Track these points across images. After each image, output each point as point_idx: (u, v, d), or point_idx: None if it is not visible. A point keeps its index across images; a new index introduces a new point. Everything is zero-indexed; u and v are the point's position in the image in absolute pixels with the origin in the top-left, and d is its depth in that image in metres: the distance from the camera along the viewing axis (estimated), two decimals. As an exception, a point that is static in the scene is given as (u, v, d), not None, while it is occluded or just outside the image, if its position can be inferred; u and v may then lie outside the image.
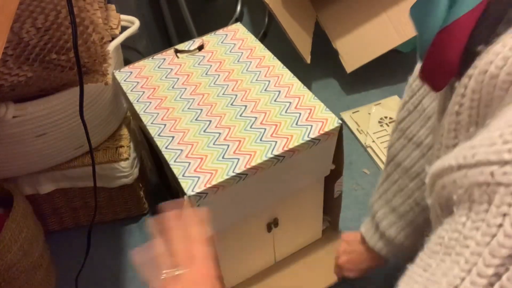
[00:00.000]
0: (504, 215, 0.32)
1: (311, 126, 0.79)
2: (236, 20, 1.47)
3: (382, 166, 1.20)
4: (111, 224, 1.13)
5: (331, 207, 0.98)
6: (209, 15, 1.74)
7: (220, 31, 1.01)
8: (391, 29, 1.35)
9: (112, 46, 0.94)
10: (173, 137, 0.80)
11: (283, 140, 0.77)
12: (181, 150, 0.77)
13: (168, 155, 0.77)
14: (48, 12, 0.73)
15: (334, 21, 1.45)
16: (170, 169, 0.76)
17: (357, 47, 1.38)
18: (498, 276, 0.32)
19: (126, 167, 1.01)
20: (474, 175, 0.34)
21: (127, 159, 1.00)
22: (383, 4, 1.37)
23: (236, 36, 1.00)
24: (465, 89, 0.40)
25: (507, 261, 0.31)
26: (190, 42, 0.99)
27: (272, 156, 0.75)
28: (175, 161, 0.76)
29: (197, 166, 0.74)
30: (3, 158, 0.91)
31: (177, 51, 0.97)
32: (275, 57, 0.94)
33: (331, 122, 0.79)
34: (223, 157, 0.75)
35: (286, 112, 0.82)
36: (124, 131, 1.05)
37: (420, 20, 0.45)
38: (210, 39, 0.99)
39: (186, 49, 0.97)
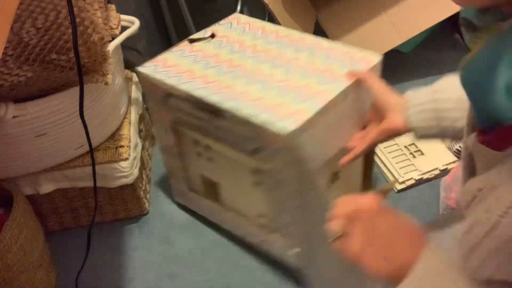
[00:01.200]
0: None
1: (358, 64, 0.85)
2: (236, 20, 1.47)
3: (382, 165, 1.20)
4: (111, 224, 1.13)
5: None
6: (209, 15, 1.74)
7: (223, 21, 1.03)
8: (391, 29, 1.35)
9: (112, 46, 0.94)
10: (238, 99, 0.80)
11: (342, 78, 0.81)
12: (255, 104, 0.78)
13: (246, 113, 0.77)
14: (48, 12, 0.73)
15: (334, 21, 1.46)
16: (255, 126, 0.76)
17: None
18: None
19: (126, 167, 1.01)
20: None
21: (127, 159, 1.00)
22: (383, 4, 1.37)
23: (241, 22, 1.02)
24: None
25: None
26: (201, 32, 0.99)
27: (341, 90, 0.79)
28: (256, 116, 0.76)
29: (280, 112, 0.76)
30: (3, 158, 0.91)
31: (192, 41, 0.97)
32: (288, 28, 0.97)
33: (374, 57, 0.87)
34: (301, 100, 0.78)
35: (329, 59, 0.87)
36: (124, 131, 1.05)
37: (475, 92, 0.44)
38: (218, 28, 1.00)
39: (200, 37, 0.98)
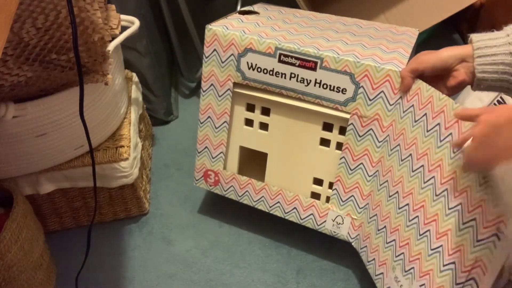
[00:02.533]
0: None
1: (404, 34, 0.95)
2: (236, 20, 1.47)
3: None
4: (111, 224, 1.13)
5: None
6: (209, 15, 1.74)
7: (254, 5, 1.08)
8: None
9: (112, 46, 0.94)
10: (332, 49, 0.84)
11: (404, 41, 0.91)
12: (352, 53, 0.83)
13: (348, 58, 0.81)
14: (48, 12, 0.73)
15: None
16: (357, 66, 0.81)
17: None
18: None
19: (126, 167, 1.01)
20: None
21: (127, 159, 1.00)
22: (381, 6, 1.38)
23: (271, 7, 1.07)
24: None
25: None
26: (246, 7, 1.03)
27: (411, 50, 0.87)
28: (358, 59, 0.82)
29: (378, 59, 0.82)
30: (3, 158, 0.91)
31: (242, 12, 0.99)
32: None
33: (413, 30, 0.97)
34: (389, 52, 0.85)
35: (379, 30, 0.96)
36: (124, 131, 1.05)
37: None
38: (256, 9, 1.04)
39: (248, 10, 1.02)
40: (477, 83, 0.71)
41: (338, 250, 1.05)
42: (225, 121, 0.97)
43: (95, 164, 0.84)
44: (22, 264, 0.87)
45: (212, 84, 0.95)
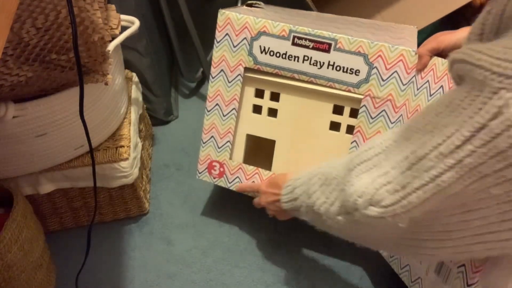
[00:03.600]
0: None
1: (405, 30, 1.02)
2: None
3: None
4: (111, 224, 1.13)
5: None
6: (209, 15, 1.74)
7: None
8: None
9: (112, 46, 0.94)
10: (345, 32, 0.86)
11: (408, 36, 0.95)
12: (364, 37, 0.85)
13: (362, 40, 0.83)
14: (48, 12, 0.73)
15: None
16: (371, 47, 0.83)
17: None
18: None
19: (126, 167, 1.01)
20: (477, 73, 0.44)
21: (127, 159, 1.00)
22: (377, 5, 1.38)
23: (269, 6, 1.07)
24: None
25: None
26: (252, 1, 1.03)
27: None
28: (372, 42, 0.83)
29: (391, 39, 0.89)
30: (3, 158, 0.91)
31: (249, 5, 1.00)
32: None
33: (412, 27, 1.02)
34: (397, 44, 0.85)
35: (381, 26, 1.01)
36: (124, 131, 1.05)
37: None
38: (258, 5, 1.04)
39: (254, 2, 1.02)
40: None
41: (338, 250, 1.05)
42: (233, 108, 0.96)
43: (95, 164, 0.84)
44: (22, 264, 0.87)
45: (222, 70, 0.95)
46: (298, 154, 0.96)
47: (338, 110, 0.91)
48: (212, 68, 0.95)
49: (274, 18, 0.92)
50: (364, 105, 0.86)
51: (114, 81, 1.00)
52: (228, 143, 1.00)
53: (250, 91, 0.95)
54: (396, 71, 0.82)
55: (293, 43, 0.87)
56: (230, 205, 1.14)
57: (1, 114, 0.81)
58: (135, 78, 1.23)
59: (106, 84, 0.86)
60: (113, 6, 1.02)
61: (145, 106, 1.32)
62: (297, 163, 0.97)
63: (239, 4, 1.51)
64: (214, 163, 1.03)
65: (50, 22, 0.74)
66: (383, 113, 0.86)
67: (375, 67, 0.83)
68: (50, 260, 1.01)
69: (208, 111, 0.99)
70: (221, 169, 1.03)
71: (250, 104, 0.96)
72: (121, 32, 0.99)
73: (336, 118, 0.91)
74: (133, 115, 1.11)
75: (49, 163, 0.96)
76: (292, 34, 0.86)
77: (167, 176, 1.25)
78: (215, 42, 0.93)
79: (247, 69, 0.93)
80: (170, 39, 1.44)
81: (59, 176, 1.00)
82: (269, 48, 0.89)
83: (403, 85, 0.83)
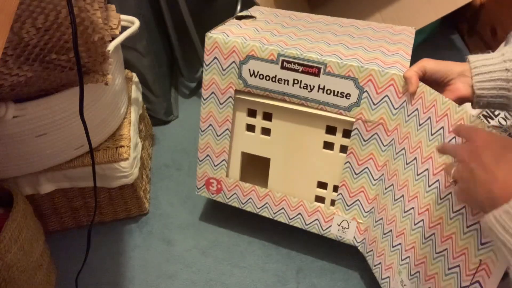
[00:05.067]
0: None
1: (402, 33, 0.95)
2: (236, 20, 1.47)
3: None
4: (111, 224, 1.13)
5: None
6: (209, 15, 1.74)
7: (250, 9, 1.06)
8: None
9: (112, 46, 0.94)
10: (335, 54, 0.83)
11: (402, 40, 0.91)
12: (355, 58, 0.82)
13: (352, 62, 0.81)
14: (48, 12, 0.73)
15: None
16: (361, 71, 0.81)
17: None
18: None
19: (126, 167, 1.01)
20: None
21: (127, 159, 1.00)
22: (377, 4, 1.38)
23: (267, 10, 1.05)
24: None
25: None
26: (242, 12, 1.01)
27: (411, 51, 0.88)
28: (362, 63, 0.81)
29: (381, 63, 0.82)
30: (3, 158, 0.91)
31: (239, 18, 0.98)
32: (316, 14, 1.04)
33: (410, 29, 0.96)
34: (390, 55, 0.85)
35: (376, 30, 0.97)
36: (124, 131, 1.05)
37: None
38: (252, 13, 1.02)
39: (245, 15, 1.00)
40: (476, 100, 0.73)
41: (338, 250, 1.05)
42: (227, 129, 0.96)
43: (95, 164, 0.84)
44: (22, 264, 0.87)
45: (213, 92, 0.94)
46: (293, 172, 0.96)
47: (331, 130, 0.89)
48: (203, 90, 0.95)
49: (265, 35, 0.90)
50: (356, 128, 0.85)
51: (114, 81, 1.00)
52: (224, 162, 1.00)
53: (242, 111, 0.95)
54: (387, 95, 0.80)
55: (282, 67, 0.85)
56: (230, 205, 1.14)
57: (1, 114, 0.81)
58: (135, 78, 1.23)
59: (106, 84, 0.86)
60: (113, 6, 1.02)
61: (145, 106, 1.32)
62: (293, 180, 0.97)
63: (239, 5, 1.51)
64: (211, 180, 1.04)
65: (50, 22, 0.74)
66: (375, 136, 0.84)
67: (366, 91, 0.81)
68: (50, 260, 1.01)
69: (202, 131, 0.99)
70: (219, 186, 1.04)
71: (243, 123, 0.96)
72: (121, 32, 0.99)
73: (329, 138, 0.90)
74: (133, 115, 1.11)
75: (49, 163, 0.96)
76: (281, 58, 0.84)
77: (167, 176, 1.25)
78: (204, 65, 0.92)
79: (237, 91, 0.92)
80: (170, 39, 1.44)
81: (59, 176, 1.00)
82: (258, 71, 0.88)
83: (395, 109, 0.80)
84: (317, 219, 0.96)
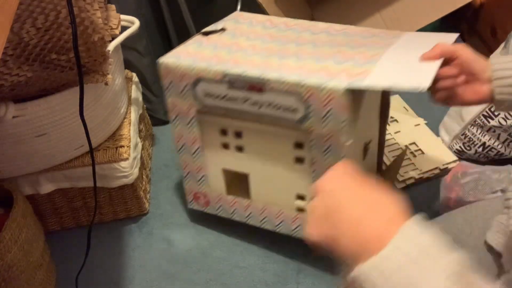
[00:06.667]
0: None
1: (378, 36, 0.89)
2: (236, 20, 1.47)
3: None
4: (111, 224, 1.13)
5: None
6: (209, 15, 1.74)
7: (226, 18, 1.02)
8: (383, 29, 1.37)
9: (112, 46, 0.94)
10: (279, 70, 0.80)
11: (372, 44, 0.85)
12: (298, 72, 0.79)
13: (292, 78, 0.78)
14: (48, 12, 0.73)
15: (328, 20, 1.46)
16: (301, 86, 0.77)
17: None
18: None
19: (126, 167, 1.01)
20: None
21: (127, 159, 1.00)
22: (377, 4, 1.38)
23: (245, 17, 1.01)
24: None
25: None
26: (211, 26, 0.98)
27: (377, 48, 0.82)
28: (302, 79, 0.77)
29: (327, 74, 0.77)
30: (3, 158, 0.91)
31: (205, 33, 0.95)
32: (296, 18, 0.99)
33: (394, 32, 0.91)
34: (343, 61, 0.80)
35: (348, 35, 0.91)
36: (124, 131, 1.05)
37: None
38: (225, 24, 0.99)
39: (212, 30, 0.97)
40: (498, 104, 0.71)
41: (338, 250, 1.05)
42: (198, 147, 0.97)
43: (95, 164, 0.84)
44: (22, 264, 0.87)
45: (178, 114, 0.95)
46: (272, 186, 0.96)
47: (299, 144, 0.87)
48: (168, 112, 0.96)
49: (220, 53, 0.88)
50: (313, 140, 0.82)
51: (114, 81, 1.00)
52: (204, 177, 1.01)
53: (215, 129, 0.94)
54: (331, 108, 0.76)
55: (230, 86, 0.84)
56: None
57: (1, 114, 0.81)
58: (135, 78, 1.23)
59: (106, 84, 0.86)
60: (113, 6, 1.02)
61: (145, 106, 1.32)
62: (273, 193, 0.96)
63: (239, 5, 1.51)
64: (198, 194, 1.06)
65: (50, 22, 0.74)
66: (331, 147, 0.82)
67: (311, 105, 0.78)
68: (50, 260, 1.01)
69: (178, 151, 1.00)
70: (206, 199, 1.06)
71: (218, 141, 0.95)
72: (121, 32, 0.99)
73: (298, 153, 0.88)
74: (133, 115, 1.11)
75: (49, 163, 0.96)
76: (227, 77, 0.83)
77: (167, 176, 1.25)
78: (163, 88, 0.92)
79: (201, 112, 0.92)
80: (170, 39, 1.44)
81: (59, 176, 1.00)
82: (209, 92, 0.87)
83: (342, 122, 0.77)
84: (300, 225, 0.97)
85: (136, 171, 1.05)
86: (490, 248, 0.74)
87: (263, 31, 0.95)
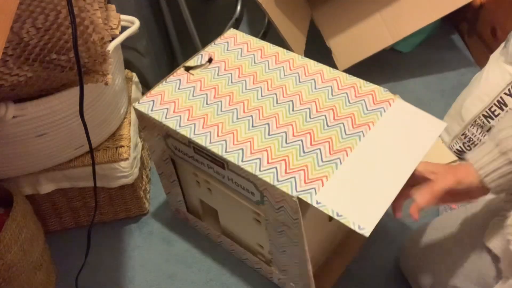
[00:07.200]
0: None
1: (364, 100, 0.82)
2: (236, 20, 1.46)
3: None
4: (111, 224, 1.13)
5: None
6: (209, 15, 1.74)
7: (219, 40, 0.99)
8: (383, 29, 1.36)
9: (112, 46, 0.94)
10: (242, 149, 0.77)
11: (348, 119, 0.79)
12: (259, 158, 0.76)
13: (250, 167, 0.74)
14: (48, 12, 0.73)
15: (328, 20, 1.47)
16: (257, 179, 0.74)
17: (350, 46, 1.39)
18: None
19: (126, 167, 1.01)
20: None
21: (127, 159, 1.00)
22: (377, 4, 1.38)
23: (237, 41, 0.98)
24: None
25: None
26: (198, 57, 0.95)
27: (348, 135, 0.77)
28: (260, 171, 0.74)
29: (285, 168, 0.74)
30: (3, 158, 0.91)
31: (188, 69, 0.93)
32: (288, 51, 0.95)
33: (379, 91, 0.84)
34: (304, 152, 0.76)
35: (332, 95, 0.84)
36: (124, 131, 1.05)
37: None
38: (214, 49, 0.97)
39: (197, 64, 0.94)
40: (496, 191, 0.69)
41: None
42: (174, 180, 1.00)
43: (95, 164, 0.84)
44: (22, 264, 0.87)
45: (154, 150, 0.96)
46: (237, 228, 0.97)
47: (258, 214, 0.86)
48: (149, 149, 0.99)
49: (195, 103, 0.85)
50: (268, 219, 0.82)
51: (114, 81, 1.00)
52: (182, 200, 1.05)
53: (187, 170, 0.94)
54: (283, 206, 0.75)
55: (195, 151, 0.83)
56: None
57: (1, 114, 0.81)
58: (135, 78, 1.23)
59: (106, 84, 0.86)
60: (113, 6, 1.02)
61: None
62: (238, 234, 0.98)
63: (239, 5, 1.51)
64: (178, 210, 1.11)
65: (50, 22, 0.74)
66: (284, 232, 0.80)
67: (266, 195, 0.77)
68: (50, 260, 1.01)
69: (159, 175, 1.05)
70: (185, 216, 1.11)
71: (192, 179, 0.95)
72: (121, 32, 0.99)
73: (257, 217, 0.86)
74: (133, 115, 1.11)
75: (49, 163, 0.96)
76: (192, 144, 0.81)
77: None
78: (142, 128, 0.93)
79: (173, 158, 0.93)
80: (170, 39, 1.44)
81: (59, 176, 1.00)
82: (178, 149, 0.87)
83: (294, 220, 0.75)
84: (261, 268, 0.99)
85: (136, 171, 1.05)
86: (488, 250, 0.75)
87: (250, 68, 0.92)
